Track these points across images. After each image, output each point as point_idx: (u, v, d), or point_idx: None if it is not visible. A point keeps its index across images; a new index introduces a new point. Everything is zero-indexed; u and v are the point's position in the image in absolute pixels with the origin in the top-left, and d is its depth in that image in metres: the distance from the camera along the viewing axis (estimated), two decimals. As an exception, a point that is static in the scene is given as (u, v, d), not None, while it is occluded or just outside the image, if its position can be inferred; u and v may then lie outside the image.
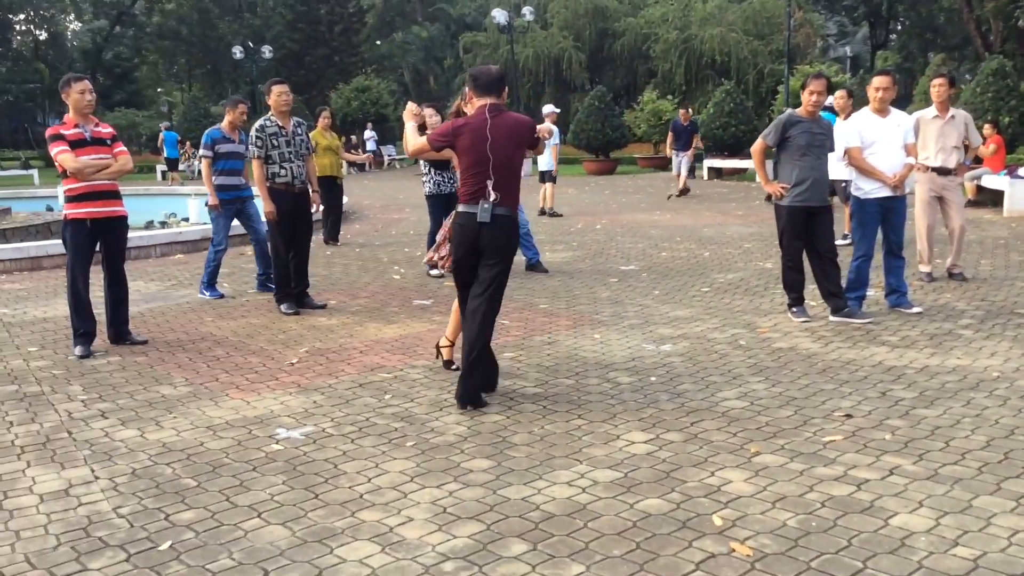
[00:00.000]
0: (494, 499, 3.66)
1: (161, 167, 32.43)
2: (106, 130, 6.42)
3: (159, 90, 62.59)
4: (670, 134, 19.13)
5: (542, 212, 14.97)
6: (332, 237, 12.12)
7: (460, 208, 4.90)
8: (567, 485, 3.79)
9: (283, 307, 7.54)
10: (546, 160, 15.05)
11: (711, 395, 4.98)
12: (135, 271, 9.98)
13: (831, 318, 6.71)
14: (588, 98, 28.21)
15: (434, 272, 9.20)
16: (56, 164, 6.19)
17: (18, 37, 58.49)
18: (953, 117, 7.90)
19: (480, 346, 4.84)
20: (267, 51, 35.29)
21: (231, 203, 8.41)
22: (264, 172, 7.46)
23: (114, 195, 6.40)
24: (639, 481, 3.80)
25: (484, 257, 4.91)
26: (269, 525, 3.48)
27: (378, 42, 48.41)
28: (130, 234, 12.09)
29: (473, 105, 5.01)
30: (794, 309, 6.87)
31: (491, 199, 4.78)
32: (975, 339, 6.05)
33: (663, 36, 35.31)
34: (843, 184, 9.30)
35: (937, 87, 7.81)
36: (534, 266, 9.35)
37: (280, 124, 7.51)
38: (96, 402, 5.15)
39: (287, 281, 7.59)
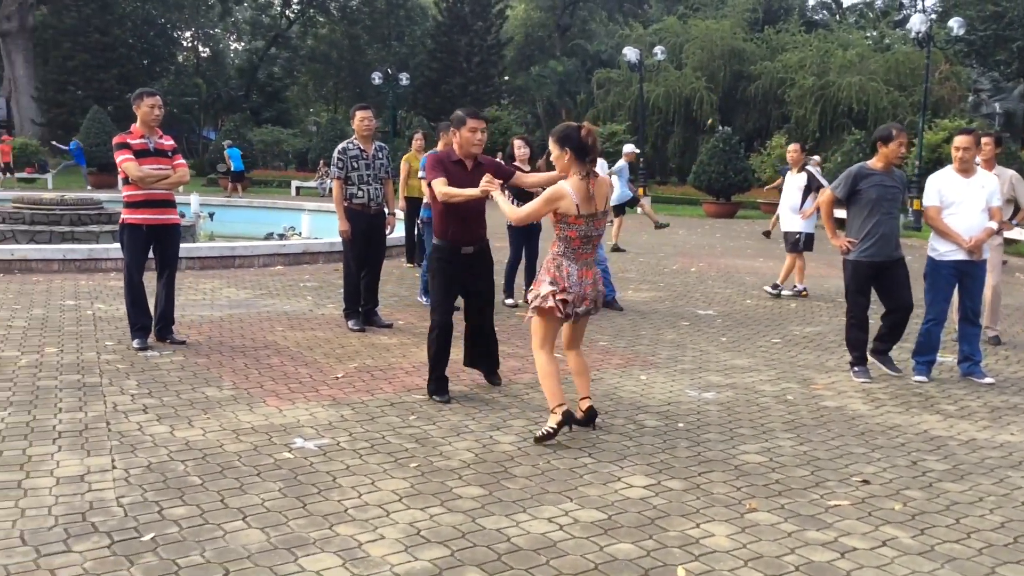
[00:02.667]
0: (470, 527, 3.70)
1: (296, 183, 33.87)
2: (168, 142, 6.85)
3: (310, 110, 65.29)
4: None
5: (615, 248, 14.88)
6: (412, 258, 12.47)
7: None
8: (547, 521, 3.78)
9: (350, 323, 7.78)
10: (617, 193, 14.98)
11: (732, 447, 4.87)
12: (233, 279, 10.49)
13: (870, 358, 6.72)
14: (713, 140, 27.87)
15: (508, 301, 9.31)
16: (120, 170, 6.62)
17: (184, 53, 62.34)
18: (997, 176, 7.59)
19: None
20: (404, 78, 36.41)
21: None
22: (343, 192, 7.74)
23: (169, 204, 6.83)
24: (620, 525, 3.76)
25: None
26: (249, 529, 3.62)
27: (514, 74, 49.32)
28: (238, 243, 12.85)
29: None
30: (856, 369, 6.63)
31: None
32: (1040, 416, 5.71)
33: (799, 82, 34.60)
34: (796, 236, 10.49)
35: (983, 146, 7.54)
36: (609, 303, 9.32)
37: (362, 148, 7.78)
38: (144, 397, 5.44)
39: (356, 298, 7.83)
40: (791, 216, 10.52)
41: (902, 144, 6.50)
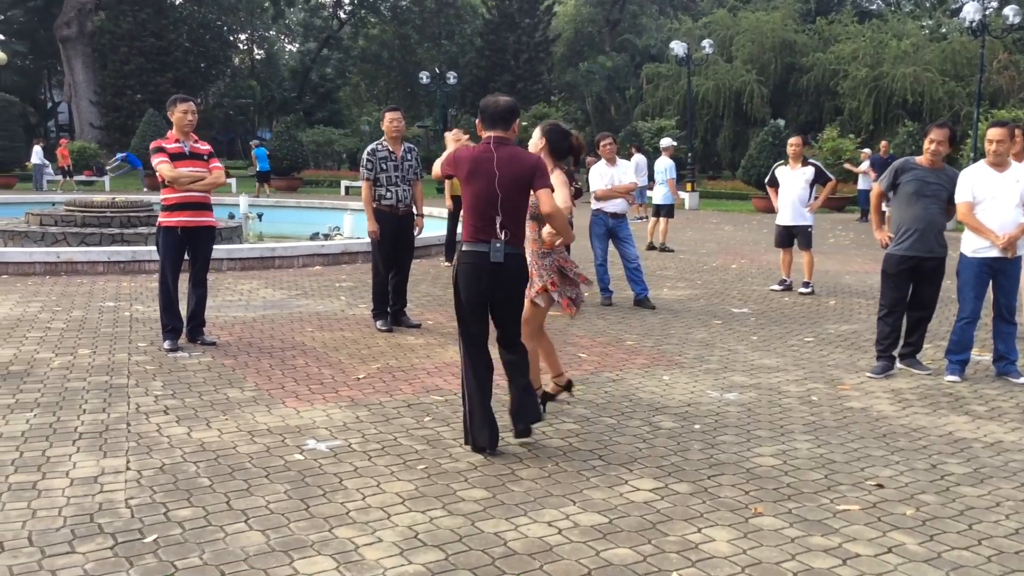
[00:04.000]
0: (468, 530, 3.70)
1: (345, 182, 34.22)
2: (204, 147, 6.97)
3: (363, 110, 65.88)
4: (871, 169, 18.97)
5: (650, 247, 14.75)
6: (450, 258, 12.53)
7: (466, 247, 4.59)
8: (547, 525, 3.77)
9: (378, 324, 7.84)
10: (662, 193, 14.92)
11: (746, 450, 4.80)
12: (271, 279, 10.63)
13: (899, 364, 6.63)
14: (762, 133, 27.52)
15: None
16: (157, 174, 6.75)
17: (239, 56, 63.37)
18: None
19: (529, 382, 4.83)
20: (452, 77, 36.55)
21: None
22: (372, 193, 7.80)
23: (205, 206, 6.91)
24: (620, 529, 3.73)
25: (497, 301, 4.65)
26: (250, 531, 3.66)
27: (563, 70, 49.21)
28: (278, 244, 13.03)
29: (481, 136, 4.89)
30: (875, 364, 6.55)
31: (502, 237, 4.51)
32: (1074, 417, 5.53)
33: (853, 73, 33.97)
34: (808, 229, 10.38)
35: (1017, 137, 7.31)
36: (641, 302, 9.26)
37: (391, 149, 7.83)
38: (167, 398, 5.54)
39: (384, 299, 7.89)
40: (799, 210, 10.29)
41: (932, 141, 6.44)
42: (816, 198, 10.49)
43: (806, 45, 38.11)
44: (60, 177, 31.15)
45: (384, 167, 7.78)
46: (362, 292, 9.85)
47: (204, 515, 3.81)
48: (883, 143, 19.78)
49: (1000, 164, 6.32)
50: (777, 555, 3.51)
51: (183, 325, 7.02)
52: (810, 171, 10.22)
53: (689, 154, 29.66)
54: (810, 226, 10.36)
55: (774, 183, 10.56)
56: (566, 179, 5.16)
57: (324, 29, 58.29)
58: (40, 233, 13.07)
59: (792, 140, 10.47)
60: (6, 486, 4.07)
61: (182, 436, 4.84)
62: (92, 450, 4.59)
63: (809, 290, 10.40)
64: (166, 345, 6.84)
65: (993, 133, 6.24)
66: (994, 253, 6.26)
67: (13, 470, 4.28)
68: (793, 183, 10.25)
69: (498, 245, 4.50)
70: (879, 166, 18.93)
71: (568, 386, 5.50)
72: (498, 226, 4.52)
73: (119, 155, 33.90)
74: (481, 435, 4.65)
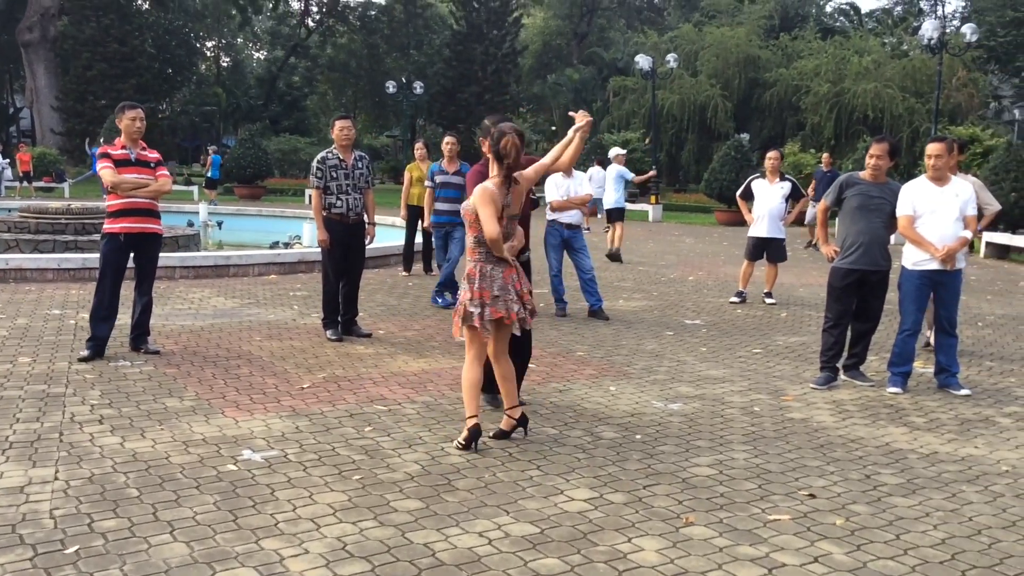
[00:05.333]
0: (398, 541, 3.67)
1: (310, 191, 34.02)
2: (152, 155, 6.89)
3: (330, 120, 65.55)
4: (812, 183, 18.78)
5: (615, 256, 14.81)
6: (408, 268, 12.55)
7: None
8: (478, 535, 3.75)
9: (328, 333, 7.78)
10: (612, 199, 14.98)
11: (684, 460, 4.81)
12: (224, 288, 10.53)
13: (842, 376, 6.74)
14: (725, 147, 27.76)
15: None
16: (103, 181, 6.67)
17: (205, 63, 62.95)
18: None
19: None
20: (418, 87, 36.55)
21: (440, 226, 10.00)
22: (322, 202, 7.76)
23: (150, 213, 6.83)
24: (550, 539, 3.72)
25: None
26: (174, 543, 3.60)
27: (531, 82, 49.40)
28: (233, 252, 12.91)
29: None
30: (818, 375, 6.62)
31: None
32: (1009, 428, 5.60)
33: (815, 89, 34.40)
34: (783, 242, 10.71)
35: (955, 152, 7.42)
36: (595, 313, 9.27)
37: (341, 157, 7.79)
38: (103, 408, 5.46)
39: (334, 308, 7.83)
40: (776, 224, 10.43)
41: (872, 155, 6.61)
42: (790, 212, 10.69)
43: (770, 61, 38.56)
44: (19, 183, 30.70)
45: (335, 175, 7.74)
46: (315, 301, 9.75)
47: (129, 526, 3.74)
48: (825, 156, 19.81)
49: (940, 178, 6.41)
50: (704, 564, 3.52)
51: (107, 337, 6.82)
52: (787, 186, 10.45)
53: (654, 167, 29.81)
54: (784, 239, 10.56)
55: (747, 196, 10.67)
56: (496, 191, 4.77)
57: (292, 37, 58.06)
58: (-9, 239, 12.87)
59: (770, 154, 10.62)
60: (-73, 496, 3.99)
61: (115, 446, 4.77)
62: (21, 460, 4.50)
63: (773, 300, 10.57)
64: (84, 353, 6.67)
65: (932, 148, 6.34)
66: (934, 266, 6.35)
67: (-64, 480, 4.19)
68: (770, 197, 10.38)
69: None
70: (821, 180, 18.82)
71: (523, 421, 5.08)
72: None
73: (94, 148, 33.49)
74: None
